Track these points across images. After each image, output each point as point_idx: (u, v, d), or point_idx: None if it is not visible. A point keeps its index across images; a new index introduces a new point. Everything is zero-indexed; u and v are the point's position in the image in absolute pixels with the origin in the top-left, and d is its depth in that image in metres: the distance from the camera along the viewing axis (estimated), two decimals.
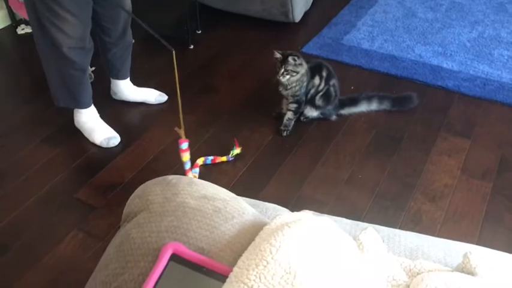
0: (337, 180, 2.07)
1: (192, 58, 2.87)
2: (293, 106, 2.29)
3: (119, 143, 2.24)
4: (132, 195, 1.05)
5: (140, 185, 1.71)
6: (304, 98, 2.29)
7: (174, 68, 1.70)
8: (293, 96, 2.27)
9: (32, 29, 2.00)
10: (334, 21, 3.15)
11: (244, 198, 1.30)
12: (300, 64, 2.22)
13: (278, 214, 1.21)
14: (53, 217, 1.94)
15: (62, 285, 1.70)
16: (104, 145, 2.22)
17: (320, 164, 2.16)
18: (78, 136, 2.29)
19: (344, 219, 1.21)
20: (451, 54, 2.81)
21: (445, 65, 2.73)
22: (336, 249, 0.90)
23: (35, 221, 1.92)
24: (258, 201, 1.30)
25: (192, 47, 2.95)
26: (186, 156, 1.90)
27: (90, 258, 1.77)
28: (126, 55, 2.37)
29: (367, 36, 2.98)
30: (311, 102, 2.32)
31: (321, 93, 2.31)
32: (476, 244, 1.77)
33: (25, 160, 2.18)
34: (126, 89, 2.45)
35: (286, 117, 2.32)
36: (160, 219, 0.93)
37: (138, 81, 2.52)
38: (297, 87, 2.24)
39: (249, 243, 0.91)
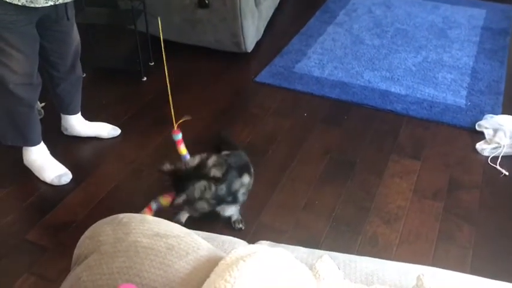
0: (294, 207, 2.09)
1: (146, 90, 2.85)
2: (232, 210, 1.95)
3: (71, 180, 2.18)
4: (82, 236, 1.02)
5: (93, 223, 1.66)
6: (228, 199, 1.89)
7: (160, 37, 1.72)
8: (209, 204, 1.85)
9: None
10: (285, 50, 3.22)
11: (200, 232, 1.29)
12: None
13: (234, 247, 1.21)
14: (2, 261, 1.85)
15: None
16: (55, 183, 2.15)
17: (277, 191, 2.17)
18: (28, 174, 2.21)
19: (301, 248, 1.22)
20: (398, 79, 2.92)
21: (393, 89, 2.83)
22: (291, 281, 0.90)
23: None
24: (214, 235, 1.29)
25: (145, 79, 2.93)
26: (182, 149, 1.93)
27: None
28: (76, 89, 2.33)
29: (318, 64, 3.06)
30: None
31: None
32: (432, 263, 1.82)
33: None
34: (78, 124, 2.40)
35: (233, 219, 1.99)
36: (111, 260, 0.91)
37: (89, 115, 2.48)
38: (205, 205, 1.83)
39: (204, 280, 0.89)
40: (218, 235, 1.28)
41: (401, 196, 2.14)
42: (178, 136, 1.89)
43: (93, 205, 2.07)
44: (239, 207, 1.97)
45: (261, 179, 2.22)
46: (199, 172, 1.77)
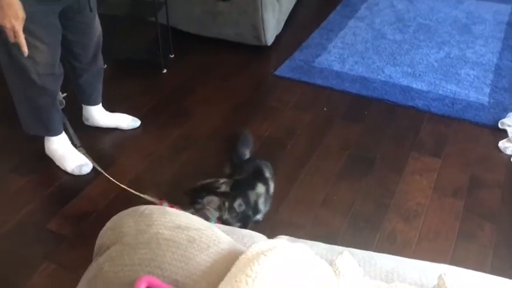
0: (312, 203, 2.08)
1: (166, 82, 2.87)
2: (237, 225, 1.84)
3: (91, 170, 2.20)
4: (104, 227, 1.03)
5: (114, 213, 1.67)
6: (250, 212, 1.87)
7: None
8: (233, 218, 1.82)
9: (0, 56, 1.97)
10: (306, 44, 3.20)
11: (220, 225, 1.30)
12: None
13: (254, 241, 1.21)
14: (24, 249, 1.88)
15: None
16: (76, 173, 2.18)
17: (296, 186, 2.16)
18: (49, 164, 2.24)
19: (320, 244, 1.21)
20: (419, 75, 2.88)
21: (414, 85, 2.79)
22: (312, 277, 0.90)
23: (6, 253, 1.86)
24: (233, 228, 1.29)
25: (165, 71, 2.94)
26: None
27: None
28: (97, 80, 2.35)
29: (338, 58, 3.03)
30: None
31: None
32: (451, 262, 1.80)
33: None
34: (98, 115, 2.42)
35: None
36: (133, 251, 0.92)
37: (110, 106, 2.50)
38: (226, 215, 1.79)
39: (225, 274, 0.90)
40: (237, 229, 1.28)
41: (421, 193, 2.12)
42: (165, 205, 1.76)
43: (113, 196, 2.09)
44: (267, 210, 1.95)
45: (279, 174, 2.21)
46: (209, 187, 1.79)
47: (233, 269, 0.87)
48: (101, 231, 1.03)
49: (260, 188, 1.91)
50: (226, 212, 1.79)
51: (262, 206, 1.92)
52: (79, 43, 2.13)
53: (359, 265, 1.09)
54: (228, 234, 1.23)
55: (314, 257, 0.94)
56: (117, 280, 0.87)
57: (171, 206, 1.74)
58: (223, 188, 1.82)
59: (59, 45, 1.99)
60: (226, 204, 1.79)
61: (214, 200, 1.78)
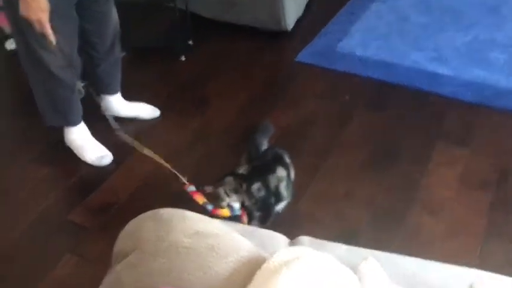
0: (334, 196, 2.03)
1: (184, 70, 2.83)
2: (257, 215, 1.78)
3: (112, 161, 2.20)
4: (123, 231, 1.01)
5: (136, 206, 1.66)
6: (272, 200, 1.81)
7: None
8: (253, 205, 1.76)
9: (18, 48, 1.96)
10: (327, 28, 3.11)
11: (239, 225, 1.27)
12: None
13: (274, 243, 1.18)
14: (46, 241, 1.89)
15: None
16: (96, 164, 2.17)
17: (316, 179, 2.12)
18: (69, 154, 2.24)
19: (342, 245, 1.18)
20: (446, 59, 2.78)
21: (440, 71, 2.70)
22: None
23: (28, 245, 1.88)
24: (253, 228, 1.27)
25: (183, 58, 2.90)
26: (200, 199, 1.70)
27: (86, 284, 1.71)
28: (116, 69, 2.33)
29: (361, 42, 2.95)
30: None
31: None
32: (478, 260, 1.75)
33: (14, 181, 2.14)
34: (118, 104, 2.40)
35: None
36: (152, 260, 0.90)
37: (129, 96, 2.47)
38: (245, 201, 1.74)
39: (244, 284, 0.87)
40: (257, 229, 1.25)
41: (447, 186, 2.05)
42: (192, 188, 1.71)
43: (134, 187, 2.08)
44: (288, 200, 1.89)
45: (299, 166, 2.16)
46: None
47: (255, 282, 0.84)
48: (120, 236, 1.01)
49: (281, 172, 1.84)
50: (244, 197, 1.74)
51: (285, 191, 1.86)
52: (96, 32, 2.10)
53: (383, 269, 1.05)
54: (247, 236, 1.21)
55: (338, 266, 0.91)
56: None
57: (196, 192, 1.71)
58: (241, 170, 1.79)
59: (76, 36, 1.97)
60: (244, 186, 1.74)
61: (230, 181, 1.73)
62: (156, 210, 1.03)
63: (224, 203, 1.71)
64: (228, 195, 1.71)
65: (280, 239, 1.20)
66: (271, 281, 0.79)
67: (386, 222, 1.91)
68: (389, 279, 1.04)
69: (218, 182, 1.74)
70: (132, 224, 1.00)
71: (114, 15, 2.14)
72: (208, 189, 1.71)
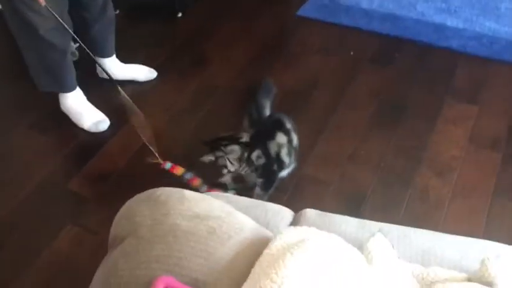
0: (339, 157, 1.98)
1: (181, 27, 2.72)
2: (259, 181, 1.77)
3: (109, 127, 2.13)
4: (118, 214, 0.96)
5: (133, 173, 1.60)
6: (274, 167, 1.77)
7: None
8: (254, 172, 1.74)
9: (4, 12, 1.85)
10: None
11: (243, 198, 1.22)
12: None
13: (278, 218, 1.13)
14: (45, 210, 1.86)
15: (60, 284, 1.64)
16: (93, 130, 2.11)
17: (321, 140, 2.05)
18: (65, 121, 2.17)
19: (350, 220, 1.13)
20: (455, 10, 2.65)
21: (449, 23, 2.57)
22: (342, 272, 0.82)
23: (28, 215, 1.85)
24: (257, 202, 1.21)
25: (180, 15, 2.78)
26: (180, 170, 1.73)
27: (86, 254, 1.69)
28: (110, 31, 2.22)
29: None
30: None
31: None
32: (486, 220, 1.72)
33: (11, 149, 2.08)
34: (113, 67, 2.30)
35: (254, 194, 1.78)
36: (149, 246, 0.85)
37: (124, 57, 2.38)
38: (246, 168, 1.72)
39: (248, 269, 0.82)
40: (261, 202, 1.20)
41: (455, 145, 1.99)
42: (168, 165, 1.74)
43: (132, 154, 2.02)
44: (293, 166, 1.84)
45: (304, 126, 2.09)
46: (231, 137, 1.72)
47: (257, 268, 0.79)
48: (115, 219, 0.96)
49: (281, 138, 1.78)
50: (244, 164, 1.71)
51: (286, 158, 1.81)
52: None
53: (392, 246, 1.00)
54: (251, 209, 1.16)
55: (343, 249, 0.86)
56: (133, 279, 0.81)
57: (174, 167, 1.74)
58: (245, 138, 1.73)
59: None
60: (246, 154, 1.70)
61: (236, 150, 1.69)
62: (152, 190, 0.97)
63: (225, 171, 1.68)
64: (232, 164, 1.66)
65: (286, 213, 1.15)
66: (273, 269, 0.74)
67: (394, 184, 1.87)
68: (400, 255, 1.00)
69: (219, 145, 1.69)
70: (127, 207, 0.95)
71: None
72: (207, 158, 1.66)
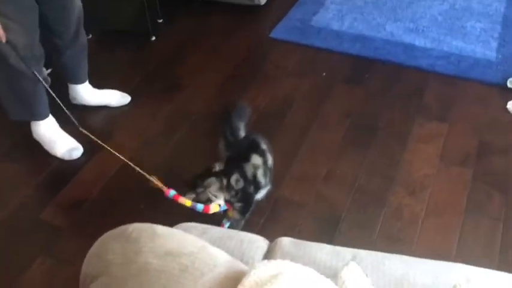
0: (314, 178, 2.00)
1: (155, 51, 2.72)
2: (237, 206, 1.74)
3: (82, 154, 2.11)
4: (90, 252, 0.95)
5: (107, 201, 1.58)
6: (251, 190, 1.75)
7: None
8: (233, 197, 1.72)
9: None
10: (302, 0, 3.01)
11: (217, 228, 1.22)
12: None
13: (253, 248, 1.13)
14: (17, 242, 1.82)
15: None
16: (66, 157, 2.08)
17: (296, 161, 2.07)
18: (38, 149, 2.14)
19: (325, 247, 1.13)
20: (423, 30, 2.72)
21: (417, 43, 2.64)
22: None
23: None
24: (232, 232, 1.21)
25: (153, 38, 2.78)
26: (187, 201, 1.64)
27: (59, 286, 1.67)
28: (82, 57, 2.21)
29: (336, 15, 2.86)
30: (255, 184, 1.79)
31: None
32: (460, 238, 1.75)
33: None
34: (86, 93, 2.29)
35: (231, 219, 1.79)
36: (123, 285, 0.84)
37: (97, 82, 2.36)
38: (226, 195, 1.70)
39: None
40: (236, 232, 1.20)
41: (427, 163, 2.03)
42: (173, 192, 1.64)
43: (106, 181, 2.01)
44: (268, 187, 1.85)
45: (278, 149, 2.11)
46: (206, 172, 1.71)
47: None
48: (87, 257, 0.94)
49: (256, 159, 1.78)
50: (226, 192, 1.71)
51: (262, 179, 1.81)
52: (58, 20, 1.98)
53: (366, 274, 1.01)
54: (225, 240, 1.16)
55: (317, 282, 0.86)
56: None
57: (179, 195, 1.65)
58: (218, 167, 1.73)
59: (36, 25, 1.84)
60: (224, 181, 1.70)
61: (213, 181, 1.69)
62: (124, 226, 0.96)
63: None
64: (216, 196, 1.66)
65: (260, 242, 1.15)
66: None
67: (369, 204, 1.89)
68: (374, 283, 1.01)
69: (197, 182, 1.69)
70: (99, 244, 0.94)
71: (77, 0, 2.01)
72: (190, 196, 1.65)
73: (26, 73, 1.89)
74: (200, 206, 1.63)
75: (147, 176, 1.68)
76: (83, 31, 2.13)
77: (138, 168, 1.71)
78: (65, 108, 1.89)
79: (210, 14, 2.95)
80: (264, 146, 1.84)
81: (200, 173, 1.70)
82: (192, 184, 1.70)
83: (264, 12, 2.94)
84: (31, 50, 1.86)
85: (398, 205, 1.88)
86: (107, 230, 0.98)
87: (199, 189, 1.68)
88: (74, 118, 2.23)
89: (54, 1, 1.91)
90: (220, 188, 1.69)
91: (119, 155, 1.75)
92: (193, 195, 1.68)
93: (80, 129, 1.83)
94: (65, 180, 2.02)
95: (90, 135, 1.80)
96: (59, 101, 1.88)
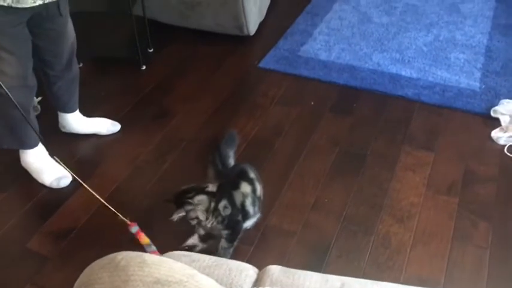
0: (303, 206, 2.01)
1: (145, 80, 2.74)
2: (224, 233, 1.75)
3: (71, 182, 2.10)
4: (78, 281, 0.94)
5: (95, 230, 1.58)
6: (239, 217, 1.77)
7: None
8: (220, 224, 1.73)
9: None
10: (290, 31, 3.08)
11: (206, 257, 1.22)
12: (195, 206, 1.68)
13: (242, 276, 1.13)
14: (3, 272, 1.79)
15: None
16: (54, 186, 2.07)
17: (285, 189, 2.08)
18: (26, 177, 2.13)
19: (313, 276, 1.14)
20: (409, 61, 2.79)
21: (403, 73, 2.70)
22: None
23: None
24: (220, 260, 1.21)
25: (144, 67, 2.82)
26: (144, 239, 1.67)
27: None
28: (73, 87, 2.22)
29: (324, 46, 2.92)
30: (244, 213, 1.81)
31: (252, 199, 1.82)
32: (447, 265, 1.76)
33: None
34: (76, 122, 2.30)
35: (220, 247, 1.76)
36: None
37: (87, 110, 2.38)
38: (213, 220, 1.71)
39: None
40: (224, 261, 1.20)
41: (414, 191, 2.05)
42: (135, 228, 1.67)
43: (95, 209, 1.99)
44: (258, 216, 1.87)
45: (268, 176, 2.13)
46: (197, 188, 1.71)
47: None
48: (75, 286, 0.94)
49: (245, 187, 1.80)
50: (211, 216, 1.70)
51: (251, 208, 1.82)
52: (51, 51, 2.00)
53: None
54: (214, 269, 1.17)
55: None
56: None
57: (140, 232, 1.68)
58: (211, 188, 1.73)
59: (29, 56, 1.86)
60: (212, 205, 1.70)
61: (204, 200, 1.69)
62: (113, 255, 0.96)
63: (196, 223, 1.68)
64: (206, 217, 1.67)
65: (249, 270, 1.16)
66: None
67: (357, 232, 1.90)
68: None
69: (185, 198, 1.68)
70: (87, 273, 0.93)
71: (70, 32, 2.04)
72: (178, 215, 1.65)
73: (17, 102, 1.89)
74: (151, 248, 1.65)
75: (114, 210, 1.70)
76: (75, 61, 2.15)
77: (104, 201, 1.75)
78: (39, 136, 1.91)
79: (200, 43, 3.00)
80: (252, 175, 1.86)
81: (186, 188, 1.70)
82: (180, 201, 1.69)
83: (253, 42, 2.99)
84: (24, 80, 1.87)
85: (386, 233, 1.89)
86: (95, 259, 0.98)
87: (188, 207, 1.67)
88: (63, 147, 2.27)
89: (47, 33, 1.93)
90: (206, 210, 1.69)
91: (89, 189, 1.77)
92: (182, 213, 1.67)
93: (54, 157, 1.83)
94: (53, 209, 2.01)
95: (63, 165, 1.81)
96: (34, 130, 1.91)
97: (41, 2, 1.66)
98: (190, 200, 1.68)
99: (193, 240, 1.84)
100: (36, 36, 1.88)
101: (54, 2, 1.78)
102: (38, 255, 1.84)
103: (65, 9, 1.93)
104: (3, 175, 2.16)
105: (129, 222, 1.67)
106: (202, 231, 1.82)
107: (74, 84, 2.21)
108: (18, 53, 1.80)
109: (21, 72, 1.84)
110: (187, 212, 1.68)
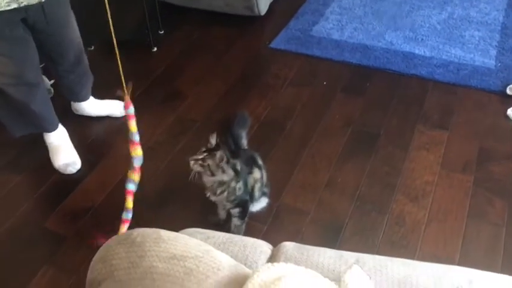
0: (316, 186, 2.01)
1: (156, 62, 2.74)
2: (236, 211, 1.80)
3: (87, 162, 2.13)
4: (95, 257, 0.95)
5: (111, 209, 1.60)
6: (247, 197, 1.79)
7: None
8: (229, 202, 1.77)
9: None
10: (301, 11, 3.04)
11: (221, 234, 1.23)
12: (222, 170, 1.67)
13: (257, 252, 1.14)
14: (21, 252, 1.83)
15: None
16: (61, 171, 2.09)
17: (298, 169, 2.08)
18: (41, 159, 2.16)
19: (327, 251, 1.14)
20: (422, 39, 2.74)
21: (417, 51, 2.66)
22: None
23: (3, 256, 1.81)
24: (235, 237, 1.22)
25: (155, 49, 2.81)
26: (133, 126, 1.64)
27: None
28: (85, 79, 2.21)
29: (336, 25, 2.89)
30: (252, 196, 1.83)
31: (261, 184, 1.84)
32: (462, 243, 1.76)
33: None
34: (89, 106, 2.31)
35: (232, 225, 1.83)
36: None
37: (100, 92, 2.38)
38: (225, 194, 1.72)
39: None
40: (239, 237, 1.21)
41: (428, 170, 2.04)
42: (131, 110, 1.60)
43: (109, 190, 2.02)
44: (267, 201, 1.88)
45: (280, 157, 2.13)
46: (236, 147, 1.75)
47: None
48: (92, 263, 0.95)
49: (256, 173, 1.82)
50: (220, 172, 1.68)
51: (257, 193, 1.83)
52: (56, 52, 2.00)
53: (369, 277, 1.02)
54: (229, 245, 1.17)
55: (321, 284, 0.87)
56: None
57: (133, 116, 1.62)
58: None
59: (26, 55, 1.83)
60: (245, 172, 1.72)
61: (223, 157, 1.67)
62: (129, 232, 0.97)
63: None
64: (212, 172, 1.67)
65: (264, 247, 1.16)
66: None
67: (371, 211, 1.89)
68: (377, 286, 1.02)
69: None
70: (103, 250, 0.95)
71: (74, 37, 2.02)
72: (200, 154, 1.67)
73: (16, 100, 1.88)
74: (136, 137, 1.63)
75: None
76: (84, 57, 2.14)
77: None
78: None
79: (211, 24, 2.98)
80: (260, 162, 1.87)
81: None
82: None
83: (264, 22, 2.97)
84: (19, 79, 1.84)
85: (400, 212, 1.89)
86: (111, 237, 1.00)
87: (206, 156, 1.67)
88: (77, 129, 2.28)
89: (48, 38, 1.90)
90: (217, 165, 1.66)
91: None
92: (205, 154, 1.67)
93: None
94: (69, 189, 2.04)
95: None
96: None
97: (16, 5, 1.61)
98: (214, 152, 1.67)
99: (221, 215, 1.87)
100: (40, 41, 1.87)
101: (49, 7, 1.75)
102: (55, 234, 1.87)
103: (66, 16, 1.92)
104: (19, 158, 2.19)
105: (129, 101, 1.62)
106: (224, 214, 1.85)
107: (85, 77, 2.20)
108: (13, 53, 1.77)
109: (16, 71, 1.82)
110: (203, 158, 1.68)
